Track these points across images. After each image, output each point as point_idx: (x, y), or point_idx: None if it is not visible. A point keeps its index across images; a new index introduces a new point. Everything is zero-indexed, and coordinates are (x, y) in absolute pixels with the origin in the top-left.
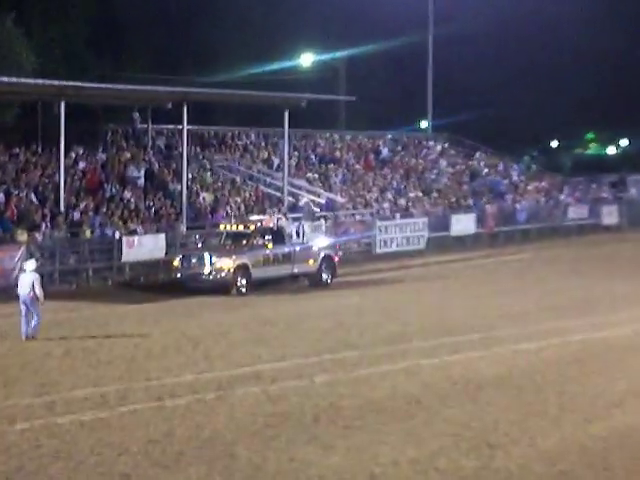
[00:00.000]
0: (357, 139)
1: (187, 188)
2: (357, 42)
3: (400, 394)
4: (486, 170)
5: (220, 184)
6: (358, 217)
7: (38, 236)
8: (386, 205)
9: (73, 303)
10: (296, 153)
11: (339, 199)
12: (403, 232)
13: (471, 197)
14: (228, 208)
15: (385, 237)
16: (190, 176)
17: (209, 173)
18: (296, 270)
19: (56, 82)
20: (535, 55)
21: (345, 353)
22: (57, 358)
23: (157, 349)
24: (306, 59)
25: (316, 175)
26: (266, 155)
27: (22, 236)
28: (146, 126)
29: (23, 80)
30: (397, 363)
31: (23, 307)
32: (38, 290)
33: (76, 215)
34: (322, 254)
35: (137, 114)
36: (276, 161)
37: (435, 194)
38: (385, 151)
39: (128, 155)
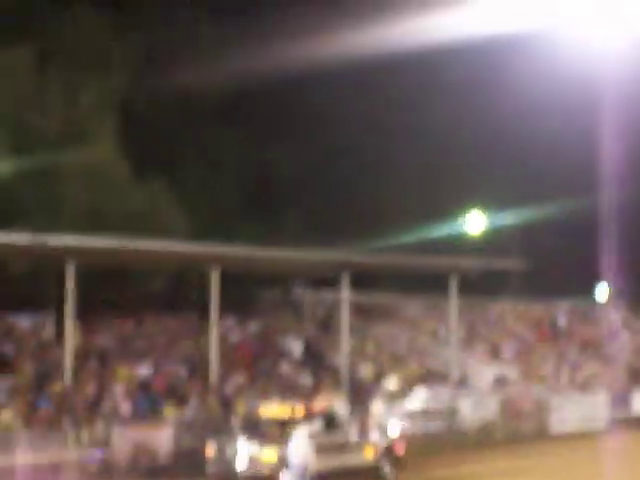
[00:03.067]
0: (530, 308)
1: (347, 361)
2: (529, 205)
3: None
4: None
5: (383, 356)
6: (531, 393)
7: (187, 411)
8: (562, 380)
9: None
10: (464, 323)
11: (511, 373)
12: (581, 410)
13: None
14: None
15: (561, 416)
16: (350, 348)
17: (371, 345)
18: (351, 462)
19: (211, 249)
20: None
21: None
22: None
23: None
24: (474, 222)
25: (486, 347)
26: (432, 325)
27: (170, 411)
28: (303, 294)
29: (176, 246)
30: None
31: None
32: (311, 459)
33: (228, 389)
34: (383, 444)
35: (296, 281)
36: (443, 332)
37: (616, 369)
38: (561, 321)
39: (284, 325)
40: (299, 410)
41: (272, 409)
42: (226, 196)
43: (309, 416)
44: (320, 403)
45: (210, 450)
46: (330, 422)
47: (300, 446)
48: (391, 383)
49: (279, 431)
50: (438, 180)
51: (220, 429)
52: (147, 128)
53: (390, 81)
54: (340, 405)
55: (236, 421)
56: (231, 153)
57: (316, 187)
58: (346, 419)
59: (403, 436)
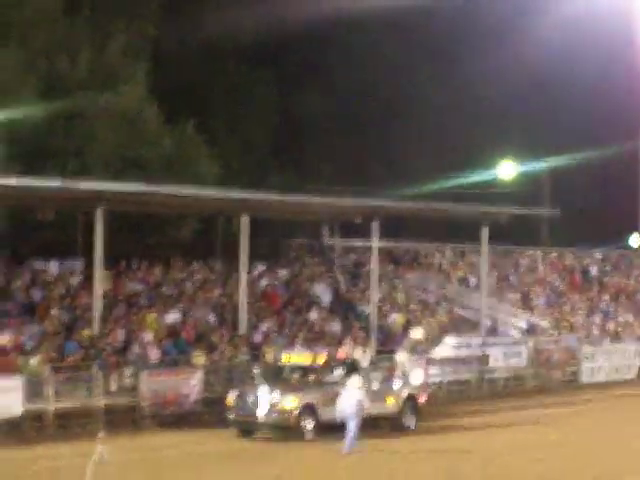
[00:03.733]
0: (562, 257)
1: (376, 309)
2: (562, 152)
3: None
4: None
5: (412, 305)
6: (562, 342)
7: (216, 358)
8: (594, 329)
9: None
10: (495, 272)
11: (542, 322)
12: (612, 360)
13: None
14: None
15: (592, 365)
16: (380, 296)
17: (400, 293)
18: (374, 411)
19: (238, 195)
20: None
21: None
22: None
23: None
24: (506, 170)
25: (517, 296)
26: (462, 274)
27: (199, 359)
28: (333, 241)
29: (204, 193)
30: None
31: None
32: (360, 408)
33: (257, 337)
34: (405, 393)
35: (325, 228)
36: (473, 280)
37: None
38: (593, 270)
39: (313, 272)
40: (321, 358)
41: (295, 357)
42: (256, 141)
43: (331, 364)
44: (343, 351)
45: (230, 398)
46: (352, 371)
47: (353, 394)
48: (417, 333)
49: (301, 379)
50: (471, 127)
51: (246, 377)
52: (177, 73)
53: (423, 26)
54: (364, 354)
55: (258, 369)
56: (261, 98)
57: (347, 133)
58: (369, 368)
59: (426, 386)
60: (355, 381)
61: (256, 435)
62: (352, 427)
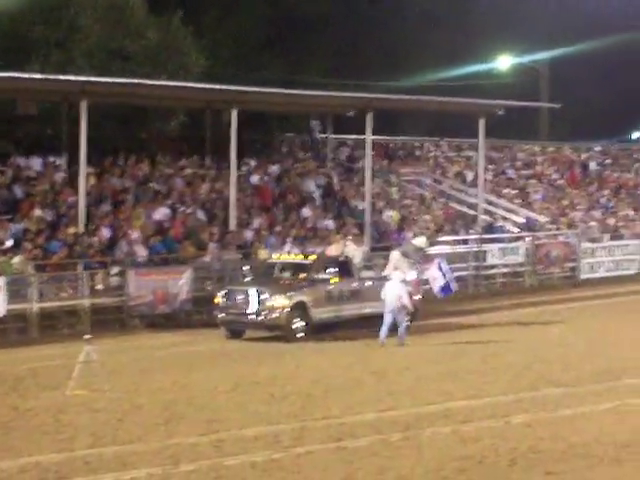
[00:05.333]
0: (561, 151)
1: (371, 205)
2: (561, 42)
3: (608, 438)
4: None
5: (407, 201)
6: (561, 238)
7: (205, 257)
8: (593, 225)
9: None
10: (492, 167)
11: (540, 218)
12: (612, 255)
13: None
14: (416, 227)
15: (591, 261)
16: (374, 191)
17: (395, 188)
18: (367, 310)
19: (228, 87)
20: None
21: (546, 391)
22: (225, 393)
23: (337, 384)
24: (504, 62)
25: (514, 191)
26: (458, 169)
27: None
28: (325, 136)
29: (192, 85)
30: (604, 403)
31: (389, 316)
32: (406, 300)
33: (248, 234)
34: None
35: (316, 122)
36: (470, 175)
37: None
38: (592, 164)
39: (305, 168)
40: (312, 257)
41: (286, 254)
42: (246, 33)
43: (323, 262)
44: (336, 249)
45: (219, 297)
46: (344, 269)
47: (397, 287)
48: (421, 241)
49: (292, 277)
50: (468, 18)
51: (236, 275)
52: None
53: None
54: (356, 252)
55: (248, 267)
56: None
57: (340, 25)
58: (361, 266)
59: (420, 283)
60: (398, 275)
61: (245, 335)
62: (401, 319)
